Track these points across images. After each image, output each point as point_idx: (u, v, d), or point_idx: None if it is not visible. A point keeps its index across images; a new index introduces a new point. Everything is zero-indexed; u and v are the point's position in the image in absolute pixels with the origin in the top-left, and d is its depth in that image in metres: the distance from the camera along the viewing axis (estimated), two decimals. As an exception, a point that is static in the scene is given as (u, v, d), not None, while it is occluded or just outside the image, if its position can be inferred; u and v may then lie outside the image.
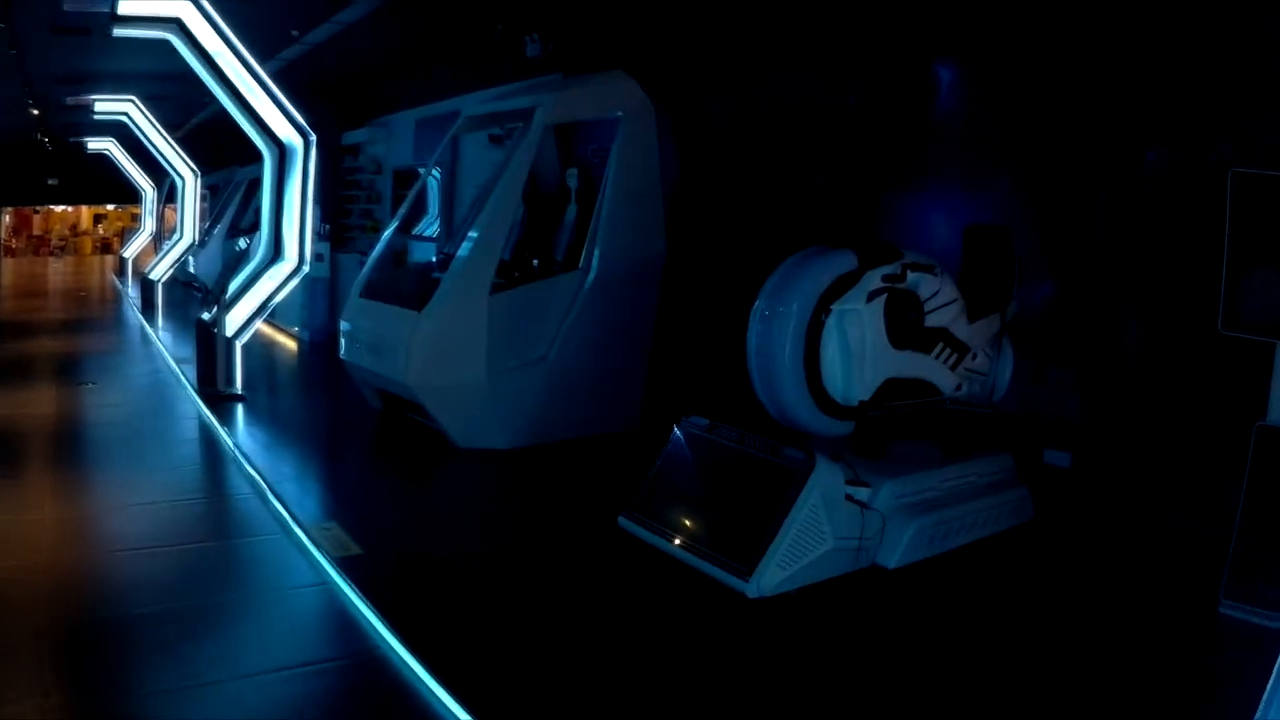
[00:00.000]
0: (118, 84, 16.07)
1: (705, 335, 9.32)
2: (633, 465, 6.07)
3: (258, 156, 19.13)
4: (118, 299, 19.39)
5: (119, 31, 9.52)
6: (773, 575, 4.83)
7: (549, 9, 12.03)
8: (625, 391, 8.37)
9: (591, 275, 8.06)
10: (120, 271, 24.18)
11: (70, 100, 17.36)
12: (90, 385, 10.14)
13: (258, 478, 6.64)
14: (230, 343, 9.51)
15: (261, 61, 9.72)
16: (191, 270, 19.57)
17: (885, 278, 5.60)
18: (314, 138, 9.91)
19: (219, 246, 18.55)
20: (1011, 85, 6.98)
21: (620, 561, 5.37)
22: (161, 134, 16.82)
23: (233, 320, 9.56)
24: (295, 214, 9.96)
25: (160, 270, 16.95)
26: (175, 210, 24.02)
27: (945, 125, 7.53)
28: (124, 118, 16.39)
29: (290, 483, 6.78)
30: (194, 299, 18.28)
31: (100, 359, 11.92)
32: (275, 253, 9.90)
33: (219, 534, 5.93)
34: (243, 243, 9.64)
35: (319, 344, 12.75)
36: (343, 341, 8.68)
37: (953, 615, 4.82)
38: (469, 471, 7.26)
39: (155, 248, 23.99)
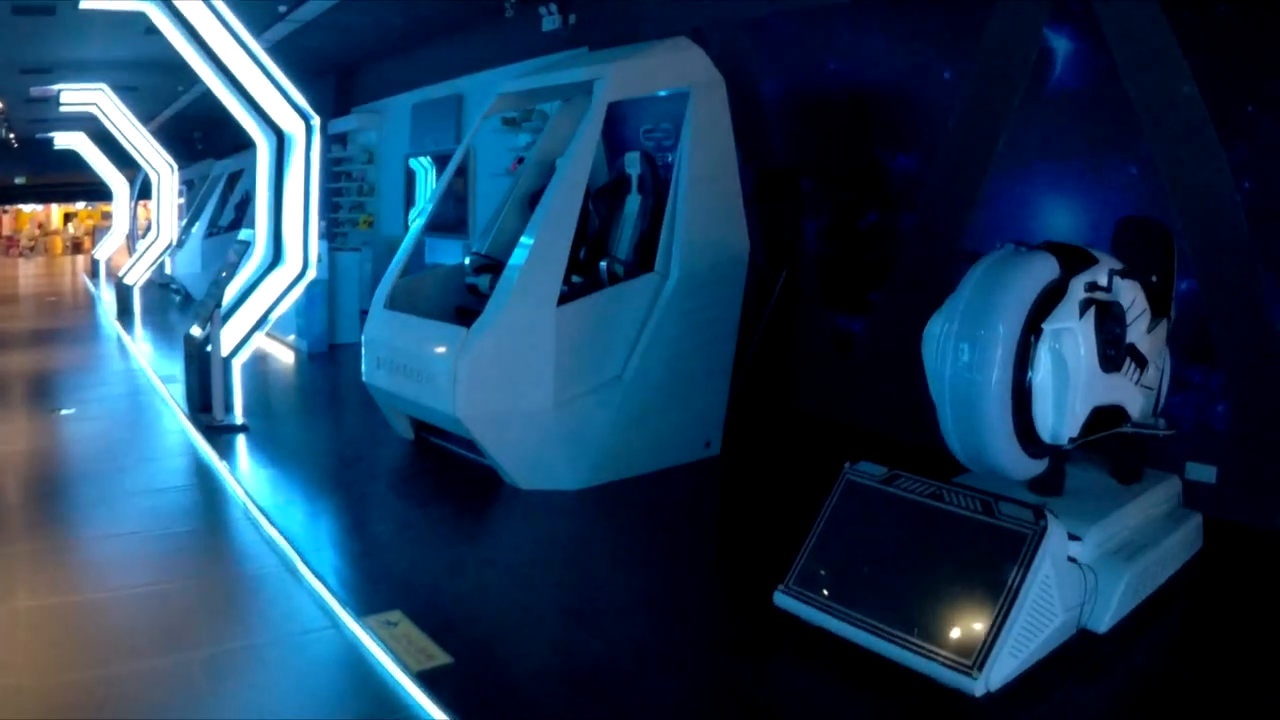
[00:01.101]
0: (84, 73, 14.45)
1: (785, 344, 8.02)
2: (736, 509, 5.34)
3: (236, 149, 17.71)
4: (91, 304, 17.68)
5: (87, 4, 7.94)
6: (1004, 666, 3.81)
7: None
8: (706, 413, 7.05)
9: (672, 279, 6.66)
10: (93, 273, 22.40)
11: (36, 91, 15.69)
12: (64, 412, 8.52)
13: (285, 546, 5.15)
14: (227, 363, 7.96)
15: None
16: (168, 271, 17.92)
17: (1089, 286, 4.47)
18: (316, 121, 8.38)
19: (198, 246, 16.93)
20: (1139, 57, 5.88)
21: (792, 655, 4.08)
22: (135, 125, 15.15)
23: (229, 336, 8.01)
24: (297, 211, 8.41)
25: (136, 273, 15.28)
26: (149, 207, 22.42)
27: (1060, 101, 6.34)
28: (93, 108, 14.70)
29: (329, 550, 5.39)
30: (173, 303, 16.71)
31: (75, 377, 10.30)
32: (275, 256, 8.36)
33: (241, 631, 4.42)
34: (245, 235, 8.09)
35: (319, 355, 11.23)
36: (366, 362, 7.21)
37: (1213, 694, 3.88)
38: (542, 524, 5.82)
39: (129, 247, 22.24)
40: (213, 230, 17.23)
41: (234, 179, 18.08)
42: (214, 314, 7.59)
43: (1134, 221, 5.48)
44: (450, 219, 11.48)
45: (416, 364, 6.53)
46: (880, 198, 7.57)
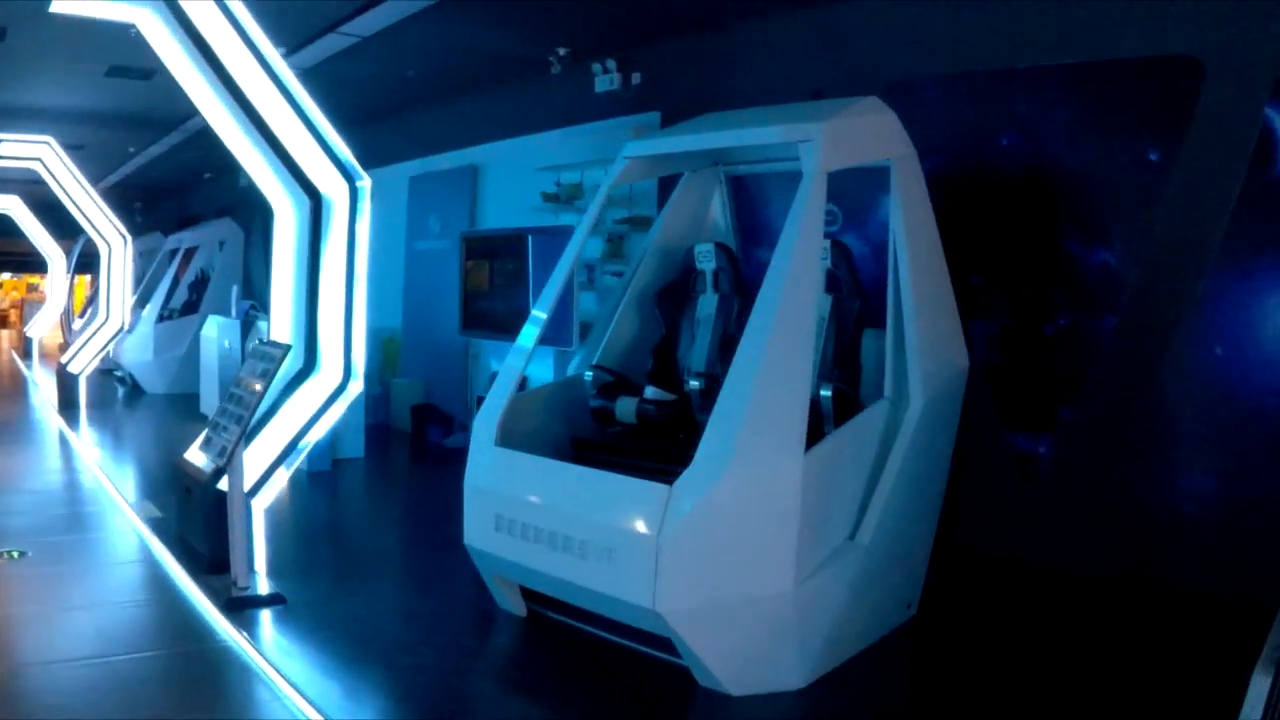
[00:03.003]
0: (23, 122, 11.93)
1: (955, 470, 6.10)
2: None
3: (183, 221, 15.19)
4: (25, 393, 14.89)
5: (60, 7, 5.69)
6: None
7: (635, 28, 8.55)
8: (914, 569, 5.29)
9: (915, 407, 4.85)
10: (24, 353, 19.47)
11: (-35, 140, 13.09)
12: (15, 557, 6.02)
13: None
14: (248, 508, 5.56)
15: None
16: (112, 356, 15.33)
17: None
18: (366, 184, 6.12)
19: (150, 331, 14.59)
20: None
21: None
22: (84, 187, 12.61)
23: (250, 469, 5.63)
24: (336, 299, 6.18)
25: (82, 361, 12.64)
26: (89, 282, 19.70)
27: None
28: (36, 165, 12.14)
29: None
30: (121, 397, 14.07)
31: (22, 502, 7.70)
32: (308, 360, 6.03)
33: None
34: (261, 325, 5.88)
35: (320, 475, 8.75)
36: (473, 520, 5.08)
37: None
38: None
39: (63, 326, 19.38)
40: (165, 314, 14.86)
41: (188, 255, 15.62)
42: (236, 444, 5.18)
43: None
44: (502, 315, 8.96)
45: (577, 533, 4.45)
46: (1071, 297, 6.16)
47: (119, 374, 15.37)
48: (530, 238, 7.51)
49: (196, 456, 6.05)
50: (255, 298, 12.30)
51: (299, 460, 6.23)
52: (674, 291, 6.16)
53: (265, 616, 5.20)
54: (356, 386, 6.25)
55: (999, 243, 6.42)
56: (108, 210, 12.91)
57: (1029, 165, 6.28)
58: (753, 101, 5.95)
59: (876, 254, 6.09)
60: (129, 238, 13.03)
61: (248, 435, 5.51)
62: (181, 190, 19.82)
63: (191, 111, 12.18)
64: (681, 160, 6.04)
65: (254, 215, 15.98)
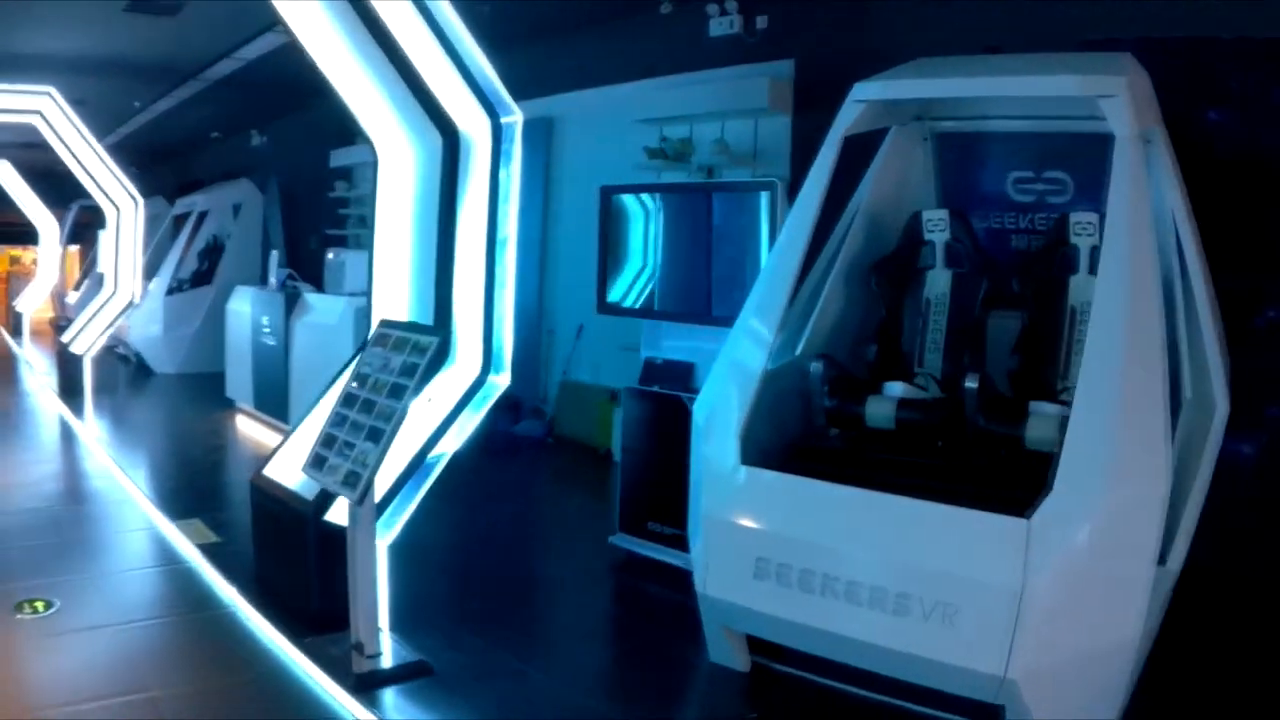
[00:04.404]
0: (20, 72, 10.11)
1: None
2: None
3: (182, 187, 13.38)
4: (16, 376, 13.06)
5: None
6: None
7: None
8: None
9: (1224, 410, 4.05)
10: (14, 330, 17.55)
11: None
12: (41, 612, 4.37)
13: None
14: (368, 553, 3.93)
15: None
16: (116, 333, 13.55)
17: None
18: (514, 117, 4.50)
19: (159, 305, 12.77)
20: None
21: None
22: (89, 143, 10.78)
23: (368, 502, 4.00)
24: (476, 271, 4.55)
25: (86, 340, 10.87)
26: (84, 252, 17.87)
27: None
28: (36, 119, 10.30)
29: None
30: (128, 379, 12.30)
31: (36, 522, 5.99)
32: (440, 348, 4.35)
33: None
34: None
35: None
36: (717, 560, 3.89)
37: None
38: None
39: (55, 302, 17.46)
40: (175, 285, 13.09)
41: (199, 221, 13.92)
42: (374, 469, 3.54)
43: None
44: (683, 293, 6.18)
45: (893, 583, 3.49)
46: None
47: (121, 351, 13.58)
48: (713, 196, 5.82)
49: (287, 473, 4.41)
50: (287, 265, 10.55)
51: (430, 482, 4.56)
52: (893, 265, 4.89)
53: (409, 695, 3.61)
54: (502, 380, 4.63)
55: (1203, 228, 5.35)
56: (116, 169, 11.07)
57: (1238, 144, 5.56)
58: (908, 55, 4.84)
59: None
60: (140, 200, 11.22)
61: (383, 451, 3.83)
62: (183, 152, 17.94)
63: (217, 55, 10.61)
64: (901, 111, 4.97)
65: (269, 177, 14.23)
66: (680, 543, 5.05)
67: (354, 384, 4.00)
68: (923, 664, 3.46)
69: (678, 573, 4.97)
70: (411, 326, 4.21)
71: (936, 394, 4.51)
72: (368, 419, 3.78)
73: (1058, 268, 4.61)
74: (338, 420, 3.93)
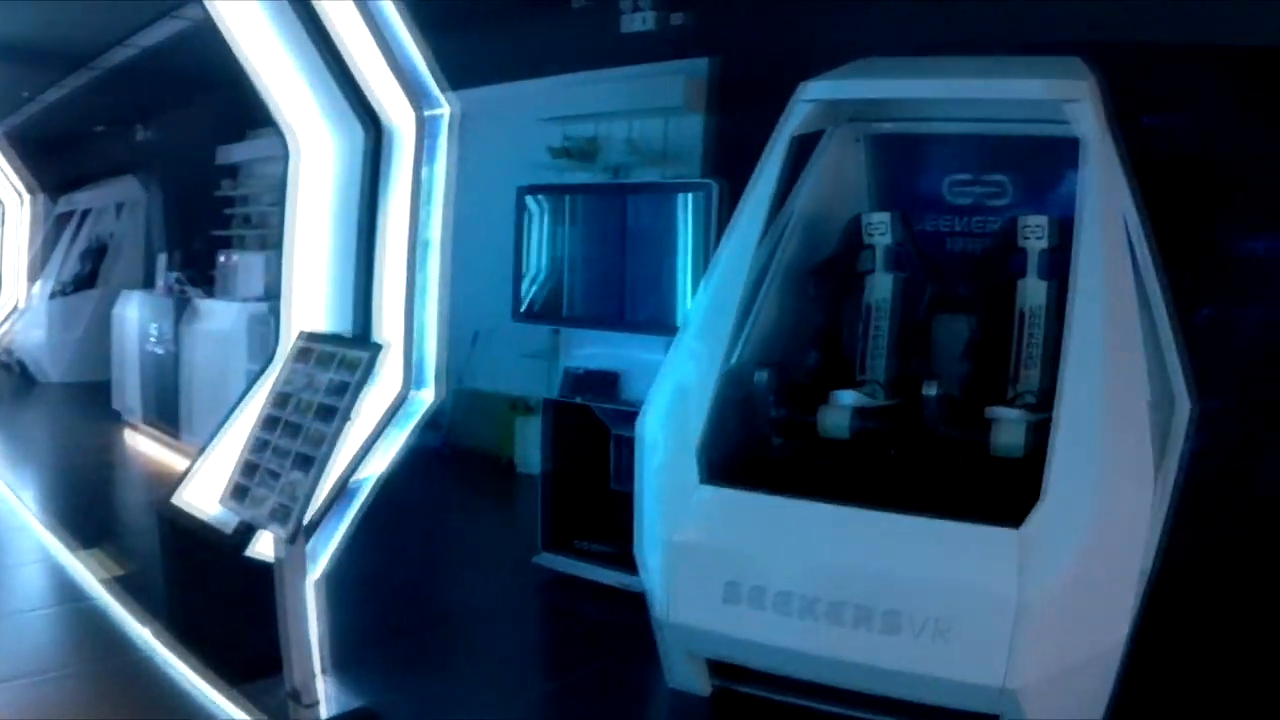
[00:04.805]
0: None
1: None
2: None
3: (69, 183, 12.84)
4: None
5: None
6: None
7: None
8: None
9: (1186, 409, 4.06)
10: None
11: None
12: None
13: None
14: (300, 593, 3.56)
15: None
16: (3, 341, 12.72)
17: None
18: (445, 109, 4.18)
19: (42, 309, 11.96)
20: None
21: None
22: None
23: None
24: (397, 275, 4.21)
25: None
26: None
27: None
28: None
29: None
30: (10, 389, 11.46)
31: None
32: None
33: None
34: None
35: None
36: (682, 584, 3.65)
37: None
38: None
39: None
40: (59, 289, 12.23)
41: (83, 221, 13.08)
42: (307, 502, 3.18)
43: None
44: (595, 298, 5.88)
45: (882, 601, 3.37)
46: (1217, 287, 5.68)
47: (4, 360, 12.68)
48: (629, 197, 5.51)
49: (200, 501, 3.98)
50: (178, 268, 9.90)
51: (356, 508, 4.18)
52: (832, 270, 4.69)
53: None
54: (426, 397, 4.27)
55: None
56: (3, 163, 10.23)
57: (1173, 147, 5.56)
58: (833, 55, 4.73)
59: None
60: (28, 196, 10.42)
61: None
62: (63, 147, 16.82)
63: (112, 41, 9.84)
64: (839, 112, 4.76)
65: (154, 174, 13.42)
66: (613, 560, 4.83)
67: (276, 407, 3.60)
68: (915, 680, 3.36)
69: (612, 591, 4.75)
70: (338, 339, 3.82)
71: (885, 401, 4.33)
72: (294, 444, 3.38)
73: (1007, 271, 4.49)
74: (259, 446, 3.53)
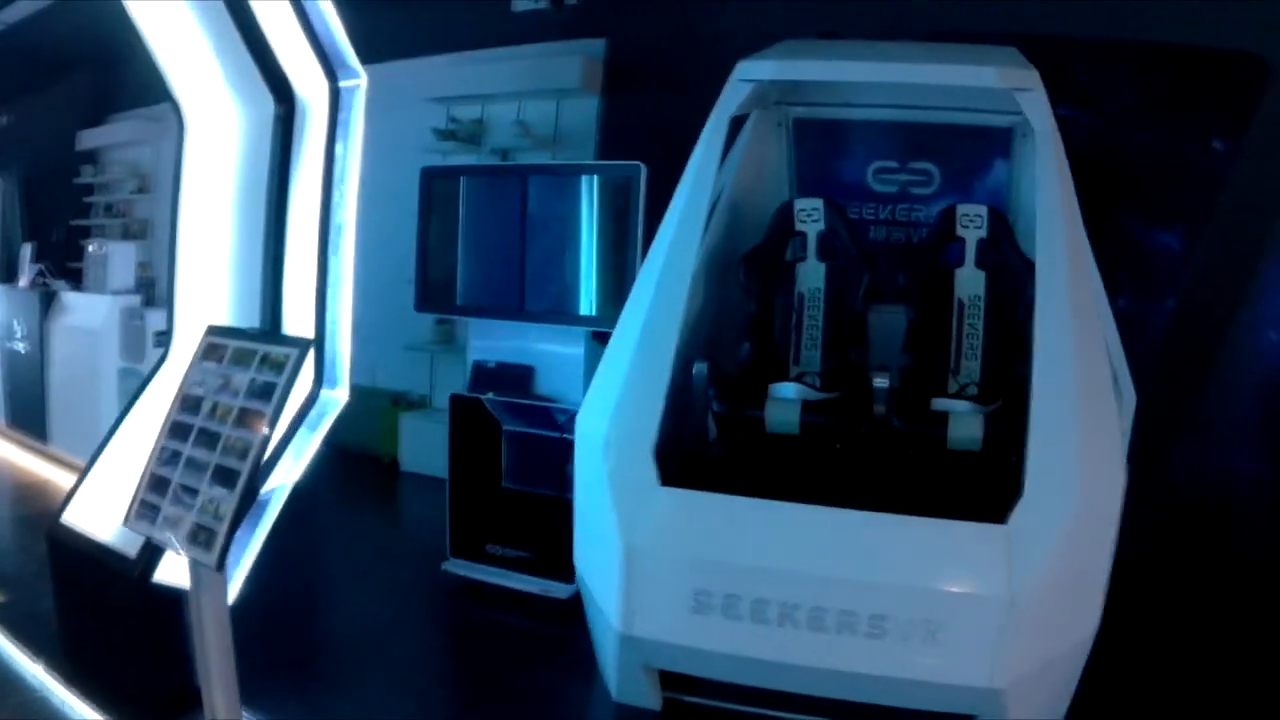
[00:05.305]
0: None
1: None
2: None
3: None
4: None
5: None
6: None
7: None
8: None
9: (1132, 402, 4.03)
10: None
11: None
12: None
13: None
14: (221, 622, 3.13)
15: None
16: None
17: None
18: (357, 82, 3.79)
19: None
20: None
21: None
22: None
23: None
24: (307, 264, 3.83)
25: None
26: None
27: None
28: None
29: None
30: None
31: None
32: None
33: None
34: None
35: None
36: (649, 598, 3.34)
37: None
38: None
39: None
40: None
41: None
42: (233, 523, 2.78)
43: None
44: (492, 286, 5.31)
45: (865, 605, 3.16)
46: (1130, 279, 5.74)
47: None
48: (531, 179, 5.13)
49: (92, 521, 3.50)
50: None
51: (268, 521, 3.76)
52: (762, 258, 4.51)
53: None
54: (339, 396, 3.89)
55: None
56: None
57: (1087, 140, 5.58)
58: (735, 39, 4.68)
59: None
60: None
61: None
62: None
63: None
64: (764, 96, 4.60)
65: (9, 161, 12.40)
66: (526, 565, 4.63)
67: (185, 413, 3.15)
68: (902, 685, 3.19)
69: (526, 598, 4.54)
70: (255, 334, 3.40)
71: (826, 394, 4.14)
72: (211, 456, 2.96)
73: (942, 260, 4.38)
74: (168, 457, 3.09)
